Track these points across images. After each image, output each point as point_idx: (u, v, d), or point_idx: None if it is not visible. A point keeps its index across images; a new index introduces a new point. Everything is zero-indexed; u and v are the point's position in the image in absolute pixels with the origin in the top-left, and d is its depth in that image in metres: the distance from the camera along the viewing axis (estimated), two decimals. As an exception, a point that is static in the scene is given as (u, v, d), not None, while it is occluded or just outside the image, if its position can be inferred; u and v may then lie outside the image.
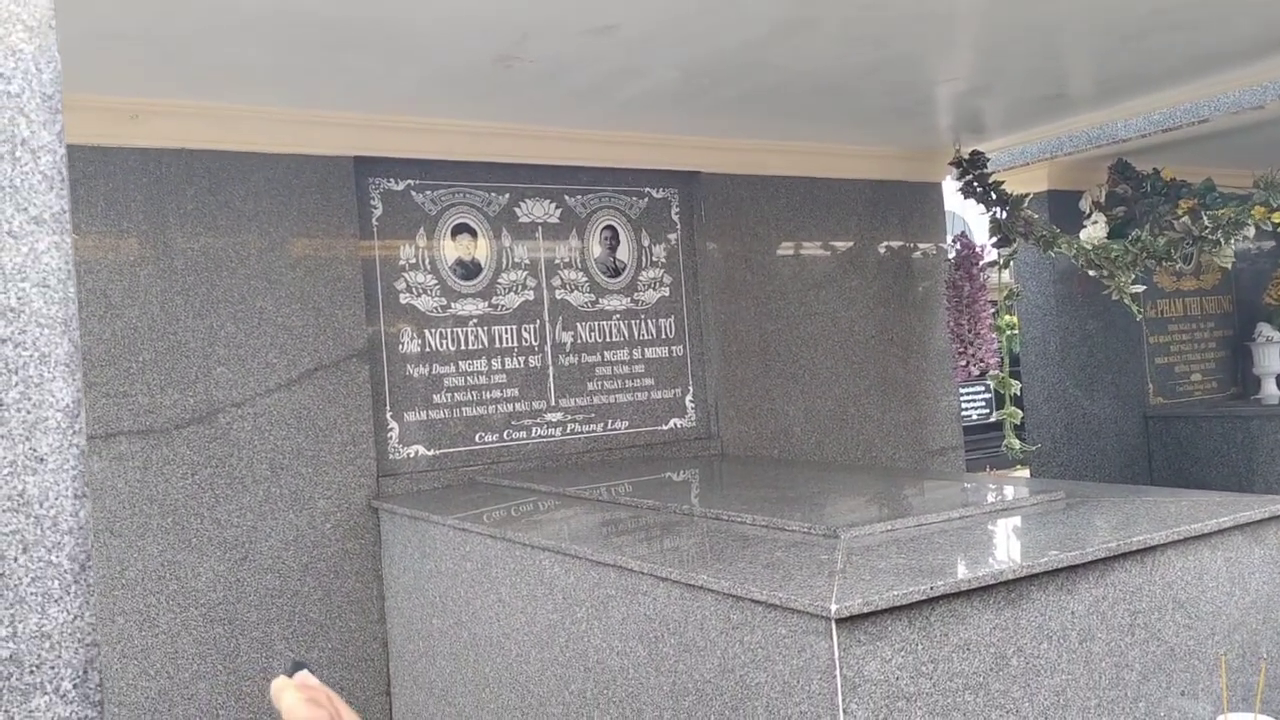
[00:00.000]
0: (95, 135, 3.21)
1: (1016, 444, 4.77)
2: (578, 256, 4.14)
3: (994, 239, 4.74)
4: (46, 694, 0.96)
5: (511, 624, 2.66)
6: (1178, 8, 3.14)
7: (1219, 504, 2.33)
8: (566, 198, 4.13)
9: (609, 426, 4.16)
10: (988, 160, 4.75)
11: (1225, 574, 2.19)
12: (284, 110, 3.45)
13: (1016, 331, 5.89)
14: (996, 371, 4.75)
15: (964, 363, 4.68)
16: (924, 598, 1.74)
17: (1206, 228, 4.21)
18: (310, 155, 3.56)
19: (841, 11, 2.94)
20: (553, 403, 4.04)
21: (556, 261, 4.09)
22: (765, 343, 4.48)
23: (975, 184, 4.71)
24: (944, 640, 1.77)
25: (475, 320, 3.91)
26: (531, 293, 4.03)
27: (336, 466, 3.54)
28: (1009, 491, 2.88)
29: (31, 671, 0.96)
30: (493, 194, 3.98)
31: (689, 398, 4.36)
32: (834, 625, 1.66)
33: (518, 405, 3.97)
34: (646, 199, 4.32)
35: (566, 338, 4.09)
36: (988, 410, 9.89)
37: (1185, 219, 4.31)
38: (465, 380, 3.87)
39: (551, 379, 4.05)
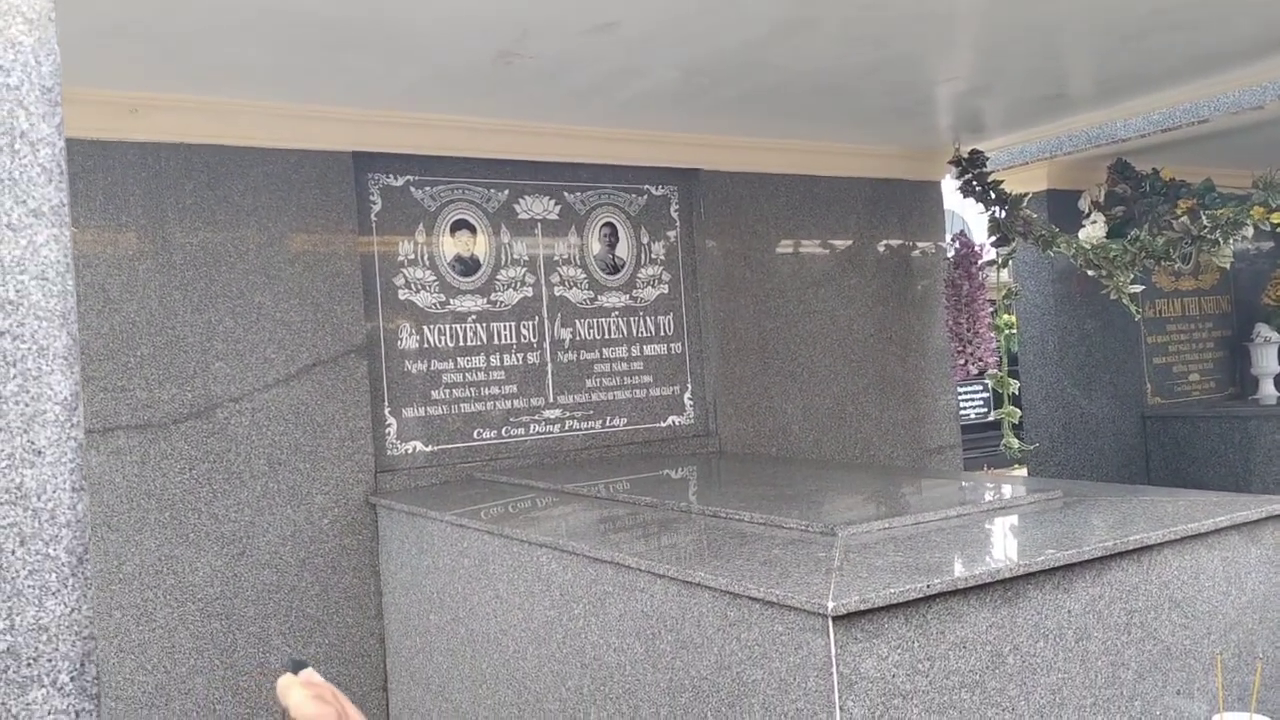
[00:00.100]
0: (94, 129, 3.21)
1: (1015, 443, 4.77)
2: (577, 253, 4.14)
3: (993, 238, 4.74)
4: (44, 686, 0.96)
5: (509, 620, 2.67)
6: (1177, 8, 3.14)
7: (1216, 504, 2.33)
8: (566, 194, 4.13)
9: (607, 423, 4.16)
10: (987, 159, 4.75)
11: (1222, 574, 2.20)
12: (283, 105, 3.45)
13: (1015, 331, 5.89)
14: (995, 370, 4.76)
15: (962, 361, 4.69)
16: (921, 595, 1.74)
17: (1205, 228, 4.21)
18: (309, 150, 3.56)
19: (841, 11, 2.94)
20: (551, 399, 4.04)
21: (555, 258, 4.09)
22: (764, 341, 4.48)
23: (974, 183, 4.71)
24: (940, 638, 1.78)
25: (474, 316, 3.91)
26: (530, 289, 4.03)
27: (334, 462, 3.54)
28: (1006, 490, 2.89)
29: (29, 664, 0.96)
30: (492, 190, 3.98)
31: (687, 395, 4.36)
32: (831, 623, 1.66)
33: (516, 402, 3.97)
34: (646, 196, 4.32)
35: (565, 334, 4.09)
36: (986, 409, 9.90)
37: (1184, 219, 4.31)
38: (464, 376, 3.87)
39: (550, 376, 4.05)
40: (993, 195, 4.68)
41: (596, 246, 4.19)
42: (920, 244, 4.98)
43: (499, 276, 3.97)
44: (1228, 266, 4.73)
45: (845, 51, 3.31)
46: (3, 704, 0.95)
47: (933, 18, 3.07)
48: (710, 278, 4.37)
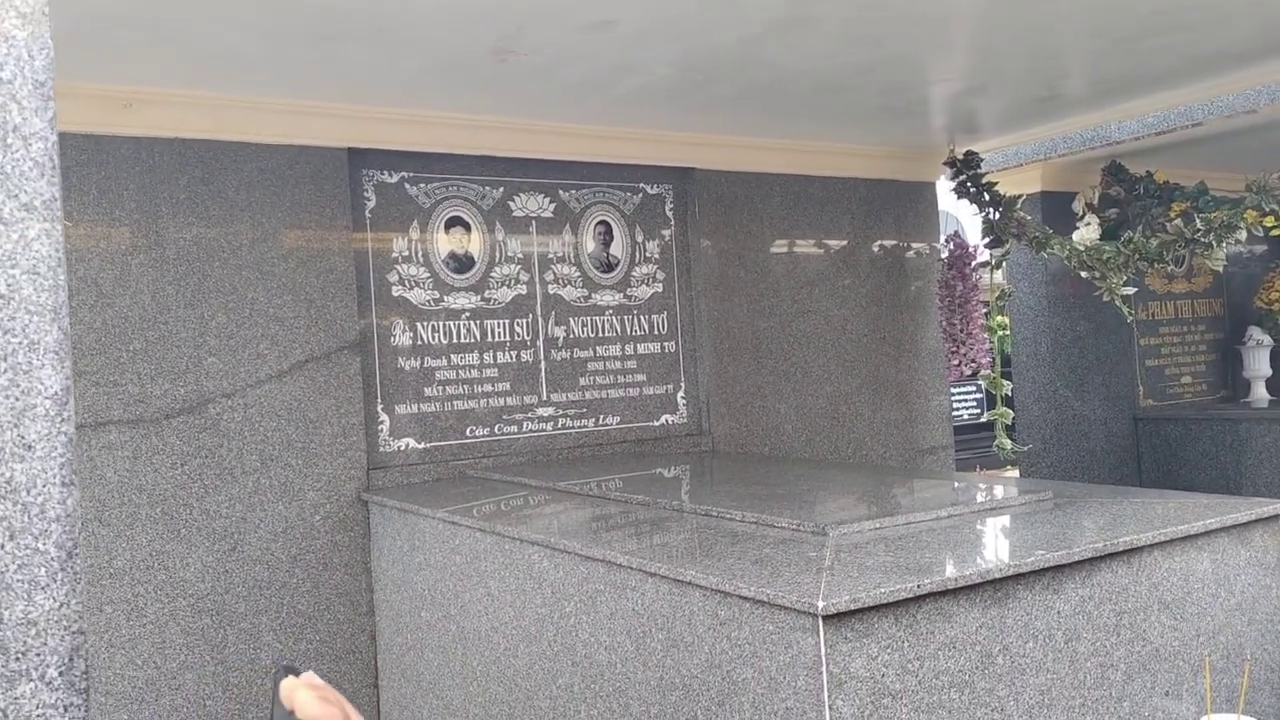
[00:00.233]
0: (88, 123, 3.20)
1: (1008, 444, 4.78)
2: (571, 251, 4.14)
3: (987, 239, 4.75)
4: (32, 680, 0.96)
5: (500, 618, 2.67)
6: (1175, 9, 3.14)
7: (1206, 506, 2.34)
8: (561, 192, 4.13)
9: (600, 422, 4.16)
10: (982, 161, 4.76)
11: (1211, 576, 2.21)
12: (278, 101, 3.44)
13: (1008, 332, 5.90)
14: (988, 372, 4.77)
15: (956, 362, 4.70)
16: (911, 595, 1.74)
17: (1199, 230, 4.23)
18: (304, 146, 3.55)
19: (839, 11, 2.94)
20: (544, 397, 4.04)
21: (550, 256, 4.09)
22: (757, 340, 4.48)
23: (969, 184, 4.72)
24: (930, 638, 1.78)
25: (468, 314, 3.91)
26: (524, 287, 4.03)
27: (327, 458, 3.53)
28: (997, 491, 2.89)
29: (17, 658, 0.96)
30: (487, 188, 3.98)
31: (681, 394, 4.36)
32: (821, 622, 1.66)
33: (509, 399, 3.97)
34: (640, 195, 4.32)
35: (559, 332, 4.09)
36: (979, 410, 9.91)
37: (1178, 222, 4.33)
38: (457, 374, 3.87)
39: (543, 374, 4.05)
40: (987, 196, 4.69)
41: (591, 245, 4.19)
42: (914, 245, 4.99)
43: (493, 274, 3.96)
44: (1221, 270, 4.75)
45: (841, 50, 3.32)
46: (-9, 698, 0.95)
47: (930, 18, 3.07)
48: (704, 277, 4.37)
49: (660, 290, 4.35)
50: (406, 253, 3.81)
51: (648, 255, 4.32)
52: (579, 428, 4.11)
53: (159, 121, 3.31)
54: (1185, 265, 5.99)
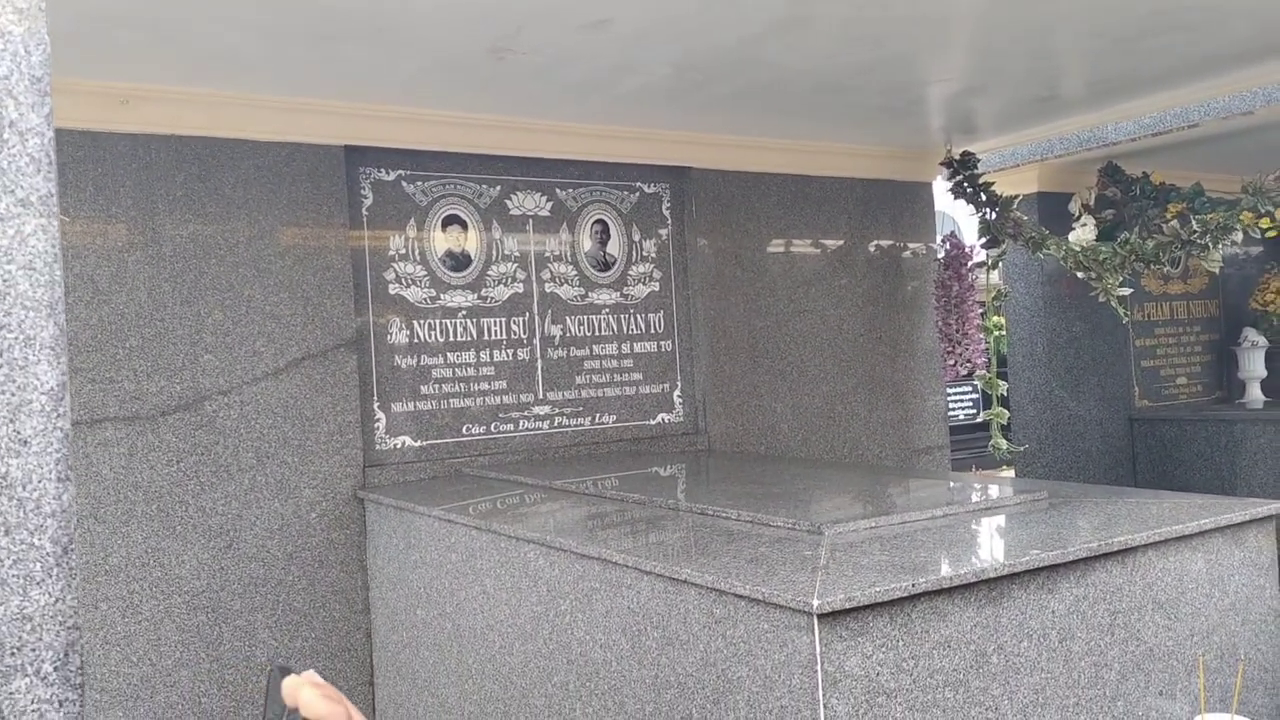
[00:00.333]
0: (85, 120, 3.20)
1: (1004, 444, 4.79)
2: (568, 250, 4.14)
3: (983, 239, 4.76)
4: (27, 676, 0.96)
5: (495, 616, 2.67)
6: (1174, 9, 3.15)
7: (1201, 506, 2.34)
8: (558, 191, 4.13)
9: (596, 420, 4.16)
10: (978, 161, 4.77)
11: (1205, 576, 2.21)
12: (275, 98, 3.44)
13: (1004, 332, 5.91)
14: (983, 372, 4.77)
15: (951, 362, 4.70)
16: (906, 594, 1.75)
17: (1195, 232, 4.23)
18: (301, 144, 3.55)
19: (837, 10, 2.95)
20: (541, 396, 4.04)
21: (547, 255, 4.09)
22: (754, 339, 4.49)
23: (965, 184, 4.72)
24: (925, 637, 1.78)
25: (464, 312, 3.91)
26: (521, 285, 4.03)
27: (323, 456, 3.53)
28: (993, 491, 2.90)
29: (12, 654, 0.96)
30: (484, 186, 3.98)
31: (677, 393, 4.36)
32: (816, 620, 1.67)
33: (505, 398, 3.97)
34: (638, 194, 4.32)
35: (555, 331, 4.09)
36: (974, 410, 9.92)
37: (1174, 223, 4.33)
38: (453, 372, 3.87)
39: (540, 372, 4.05)
40: (983, 197, 4.70)
41: (588, 243, 4.19)
42: (911, 245, 4.99)
43: (490, 272, 3.96)
44: (1217, 271, 4.75)
45: (841, 50, 3.32)
46: (-14, 693, 0.95)
47: (929, 18, 3.07)
48: (701, 276, 4.38)
49: (657, 289, 4.35)
50: (403, 251, 3.80)
51: (644, 254, 4.32)
52: (575, 426, 4.11)
53: (156, 118, 3.31)
54: (1181, 266, 6.00)
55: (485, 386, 3.93)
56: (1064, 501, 2.49)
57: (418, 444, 3.79)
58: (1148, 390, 5.94)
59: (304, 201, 3.55)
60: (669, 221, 4.39)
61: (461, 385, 3.88)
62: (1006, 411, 4.85)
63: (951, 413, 8.93)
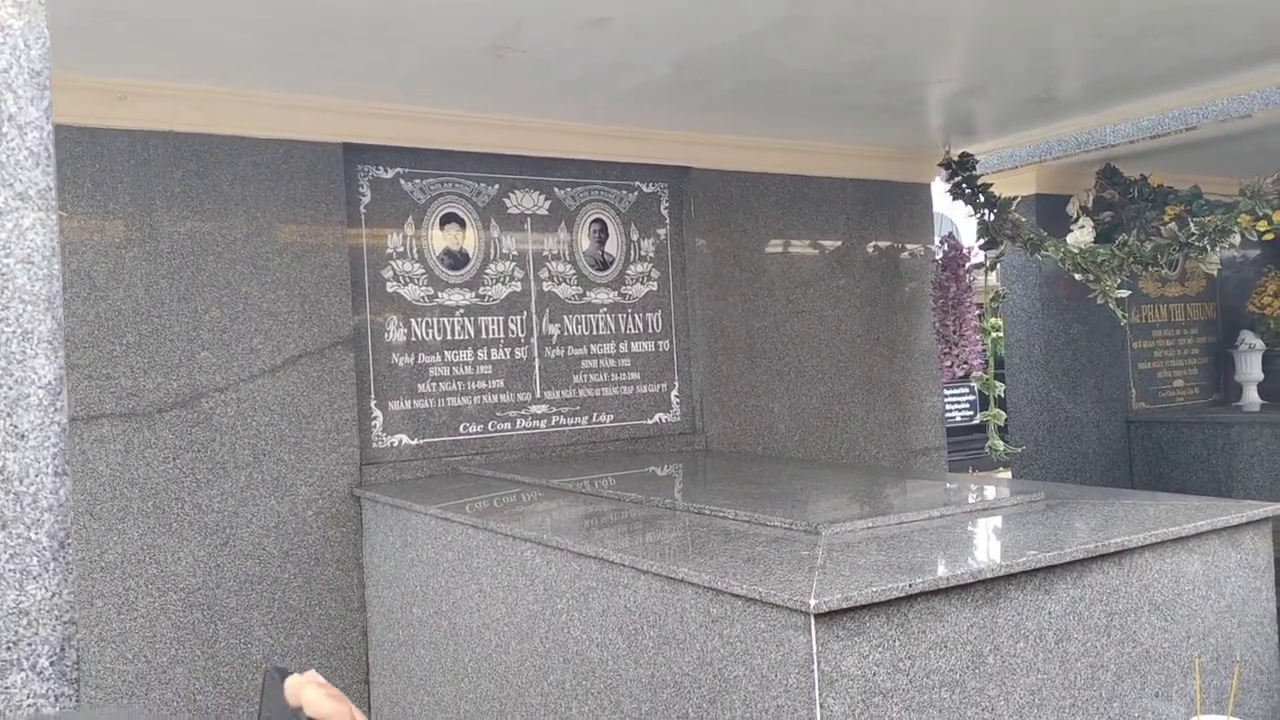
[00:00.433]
0: (83, 116, 3.19)
1: (1000, 446, 4.79)
2: (566, 249, 4.14)
3: (981, 241, 4.76)
4: (23, 670, 0.96)
5: (492, 614, 2.67)
6: (1173, 11, 3.15)
7: (1197, 508, 2.34)
8: (556, 190, 4.13)
9: (594, 420, 4.16)
10: (977, 162, 4.77)
11: (1202, 577, 2.21)
12: (273, 95, 3.44)
13: (1001, 333, 5.91)
14: (981, 373, 4.77)
15: (949, 363, 4.70)
16: (903, 594, 1.75)
17: (1193, 234, 4.24)
18: (299, 141, 3.55)
19: (837, 10, 2.95)
20: (538, 395, 4.04)
21: (545, 254, 4.09)
22: (751, 339, 4.49)
23: (964, 186, 4.73)
24: (921, 637, 1.78)
25: (462, 310, 3.90)
26: (519, 284, 4.03)
27: (319, 454, 3.53)
28: (989, 492, 2.90)
29: (8, 648, 0.96)
30: (482, 184, 3.97)
31: (674, 393, 4.36)
32: (813, 620, 1.67)
33: (503, 396, 3.97)
34: (636, 193, 4.32)
35: (553, 330, 4.09)
36: (971, 411, 9.93)
37: (1171, 225, 4.34)
38: (451, 370, 3.87)
39: (537, 371, 4.04)
40: (982, 198, 4.70)
41: (586, 243, 4.19)
42: (909, 246, 4.99)
43: (488, 271, 3.96)
44: (1214, 274, 4.76)
45: (840, 50, 3.32)
46: (-19, 688, 0.95)
47: (929, 18, 3.07)
48: (699, 276, 4.38)
49: (655, 289, 4.35)
50: (401, 249, 3.80)
51: (643, 254, 4.32)
52: (572, 425, 4.11)
53: (154, 115, 3.30)
54: (1179, 269, 6.00)
55: (482, 385, 3.93)
56: (1061, 503, 2.49)
57: (414, 442, 3.79)
58: (1145, 392, 5.95)
59: (302, 199, 3.55)
60: (667, 221, 4.39)
61: (459, 384, 3.88)
62: (1003, 413, 4.86)
63: (949, 414, 8.94)
